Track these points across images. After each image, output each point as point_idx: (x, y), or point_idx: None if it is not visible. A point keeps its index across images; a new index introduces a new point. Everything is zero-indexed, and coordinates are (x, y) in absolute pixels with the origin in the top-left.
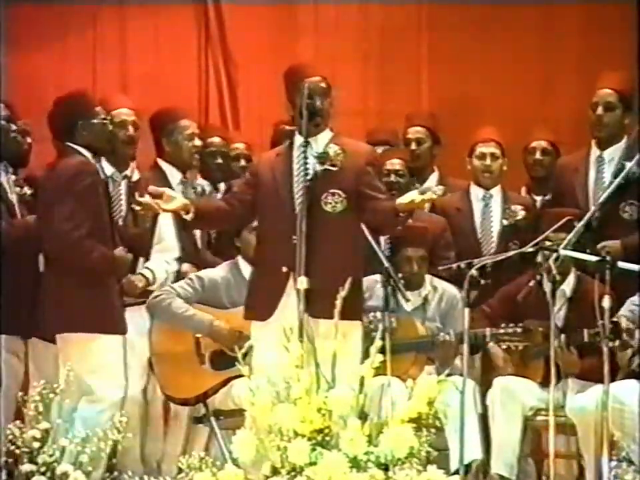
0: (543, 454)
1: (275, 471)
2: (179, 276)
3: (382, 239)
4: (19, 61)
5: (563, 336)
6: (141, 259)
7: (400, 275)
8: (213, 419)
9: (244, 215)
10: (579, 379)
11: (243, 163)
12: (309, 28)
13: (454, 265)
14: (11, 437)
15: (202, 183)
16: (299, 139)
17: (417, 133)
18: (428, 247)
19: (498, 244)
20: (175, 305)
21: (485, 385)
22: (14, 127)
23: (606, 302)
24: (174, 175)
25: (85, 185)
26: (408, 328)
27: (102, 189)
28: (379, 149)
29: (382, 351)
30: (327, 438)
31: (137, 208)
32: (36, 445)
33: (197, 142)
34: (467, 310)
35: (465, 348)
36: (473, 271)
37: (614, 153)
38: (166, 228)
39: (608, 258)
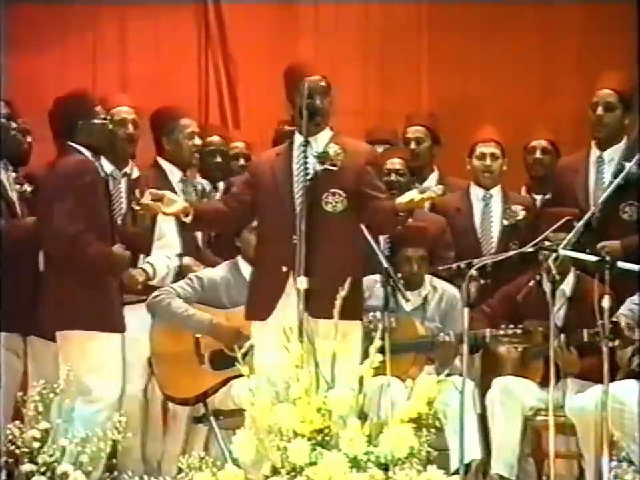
0: (543, 454)
1: (275, 471)
2: (181, 271)
3: (381, 238)
4: (19, 61)
5: (562, 336)
6: (142, 256)
7: (400, 275)
8: (212, 418)
9: (243, 217)
10: (579, 379)
11: (242, 161)
12: (309, 28)
13: (454, 265)
14: (10, 437)
15: (202, 181)
16: (298, 138)
17: (417, 132)
18: (428, 247)
19: (498, 244)
20: (175, 305)
21: (484, 385)
22: (14, 125)
23: (606, 302)
24: (174, 173)
25: (84, 182)
26: (407, 328)
27: (102, 187)
28: (379, 148)
29: (381, 350)
30: (327, 438)
31: (137, 208)
32: (36, 445)
33: (197, 141)
34: (466, 310)
35: (465, 348)
36: (473, 271)
37: (614, 153)
38: (167, 224)
39: (607, 258)
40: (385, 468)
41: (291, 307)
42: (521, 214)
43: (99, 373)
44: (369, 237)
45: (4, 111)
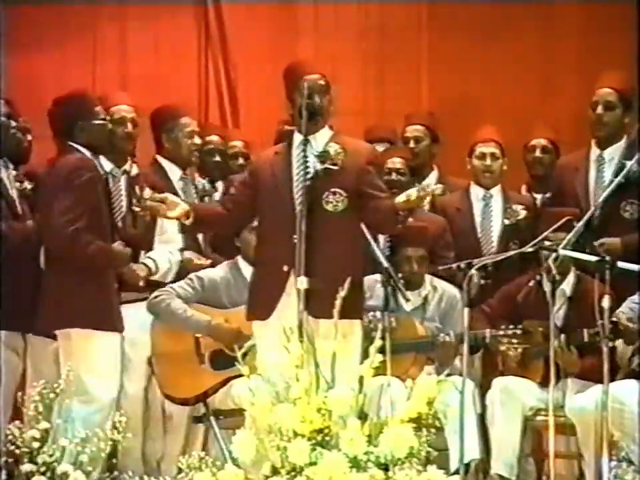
0: (543, 454)
1: (275, 471)
2: (183, 265)
3: (381, 238)
4: (19, 61)
5: (562, 336)
6: (142, 252)
7: (400, 275)
8: (212, 418)
9: (242, 217)
10: (579, 379)
11: (241, 161)
12: (309, 28)
13: (454, 265)
14: (10, 437)
15: (201, 181)
16: (298, 137)
17: (416, 131)
18: (428, 247)
19: (498, 243)
20: (174, 306)
21: (484, 385)
22: (14, 124)
23: (606, 302)
24: (173, 171)
25: (83, 180)
26: (407, 328)
27: (101, 185)
28: (378, 147)
29: (382, 350)
30: (327, 438)
31: (137, 209)
32: (36, 445)
33: (197, 140)
34: (466, 310)
35: (465, 348)
36: (473, 271)
37: (614, 152)
38: (168, 220)
39: (607, 258)
40: (385, 468)
41: (292, 306)
42: (522, 213)
43: (96, 373)
44: (369, 237)
45: (4, 109)
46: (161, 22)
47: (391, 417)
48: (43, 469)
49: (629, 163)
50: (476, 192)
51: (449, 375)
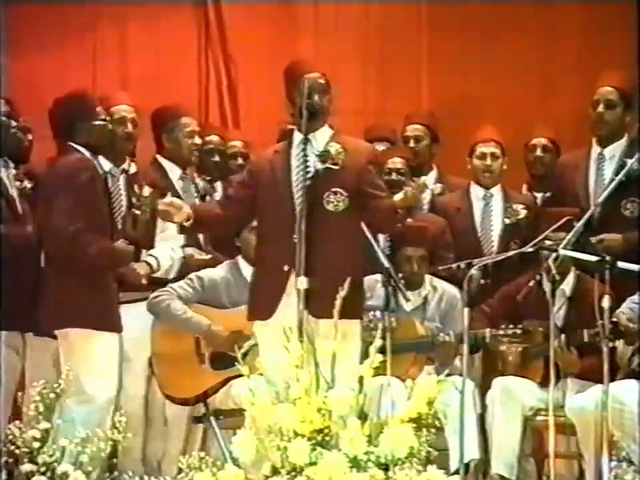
0: (543, 454)
1: (275, 471)
2: (186, 261)
3: (381, 238)
4: (19, 61)
5: (562, 336)
6: (144, 250)
7: (400, 275)
8: (212, 418)
9: (241, 218)
10: (579, 379)
11: (240, 161)
12: (309, 28)
13: (454, 265)
14: (11, 436)
15: (200, 181)
16: (298, 136)
17: (415, 130)
18: (428, 247)
19: (498, 243)
20: (174, 307)
21: (484, 385)
22: (14, 124)
23: (606, 302)
24: (173, 170)
25: (82, 180)
26: (408, 328)
27: (100, 185)
28: (378, 146)
29: (382, 350)
30: (327, 438)
31: (137, 212)
32: (36, 445)
33: (197, 140)
34: (466, 310)
35: (465, 348)
36: (473, 271)
37: (615, 150)
38: None
39: (608, 258)
40: (385, 468)
41: (292, 306)
42: (522, 212)
43: (93, 373)
44: (370, 237)
45: (4, 109)
46: (161, 22)
47: (391, 416)
48: (43, 469)
49: (629, 161)
50: (476, 191)
51: (448, 375)
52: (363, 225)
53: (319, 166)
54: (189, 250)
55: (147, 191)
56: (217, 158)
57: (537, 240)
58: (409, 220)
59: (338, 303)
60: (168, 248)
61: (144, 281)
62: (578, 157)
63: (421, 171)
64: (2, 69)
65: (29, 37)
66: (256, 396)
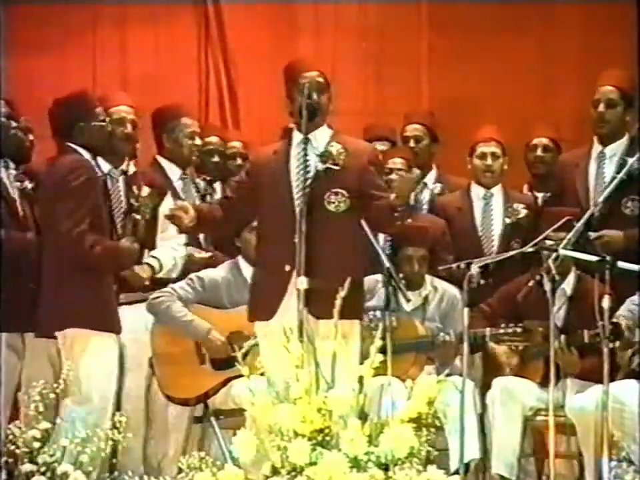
0: (543, 454)
1: (275, 471)
2: (189, 260)
3: (382, 238)
4: (19, 62)
5: (563, 336)
6: (146, 250)
7: (401, 275)
8: (213, 418)
9: (241, 218)
10: (579, 379)
11: (239, 161)
12: (309, 28)
13: (454, 265)
14: (11, 436)
15: (200, 181)
16: (297, 136)
17: (415, 130)
18: (428, 247)
19: (499, 243)
20: (174, 309)
21: (484, 385)
22: (14, 124)
23: (606, 302)
24: (173, 171)
25: (81, 181)
26: (408, 328)
27: (99, 186)
28: (378, 145)
29: (382, 350)
30: (327, 438)
31: (137, 217)
32: (36, 445)
33: (197, 141)
34: (466, 310)
35: (465, 348)
36: (473, 271)
37: (616, 149)
38: None
39: (608, 258)
40: (385, 468)
41: (294, 307)
42: (523, 212)
43: (92, 374)
44: (371, 237)
45: (4, 109)
46: (161, 22)
47: (391, 416)
48: (43, 469)
49: (630, 160)
50: (476, 191)
51: (448, 374)
52: (364, 225)
53: (320, 166)
54: (189, 249)
55: (145, 191)
56: (216, 158)
57: (538, 240)
58: (409, 220)
59: (338, 303)
60: (170, 248)
61: (147, 282)
62: (578, 156)
63: (421, 171)
64: (2, 69)
65: (29, 37)
66: (256, 396)
